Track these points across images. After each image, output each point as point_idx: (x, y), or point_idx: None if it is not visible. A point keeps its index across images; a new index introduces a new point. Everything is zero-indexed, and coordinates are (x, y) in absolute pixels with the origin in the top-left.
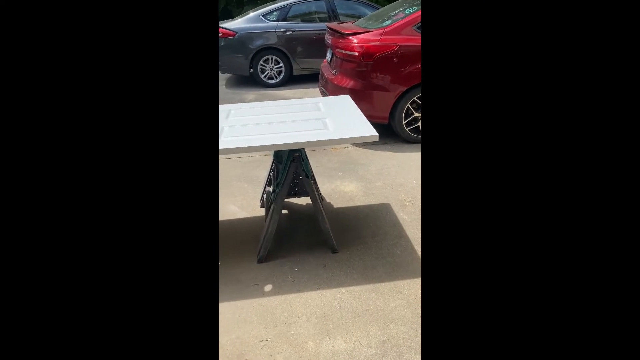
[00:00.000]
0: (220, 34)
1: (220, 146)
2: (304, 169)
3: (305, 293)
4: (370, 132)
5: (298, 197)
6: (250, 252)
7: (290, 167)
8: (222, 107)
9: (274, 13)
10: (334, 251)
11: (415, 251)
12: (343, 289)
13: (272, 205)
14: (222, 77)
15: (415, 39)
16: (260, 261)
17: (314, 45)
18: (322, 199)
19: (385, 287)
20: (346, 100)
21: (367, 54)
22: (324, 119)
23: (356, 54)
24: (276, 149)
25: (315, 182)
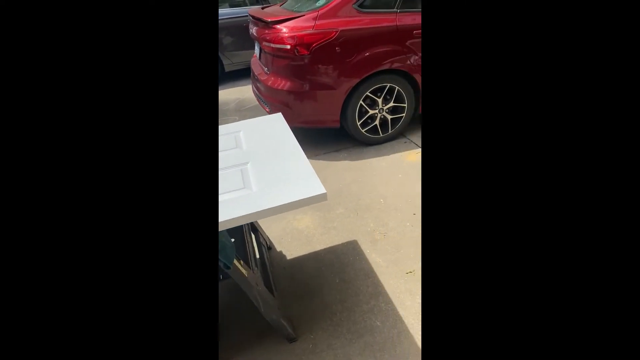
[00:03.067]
0: None
1: None
2: (220, 260)
3: None
4: (316, 189)
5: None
6: None
7: None
8: None
9: None
10: (292, 340)
11: (400, 317)
12: None
13: None
14: None
15: (358, 21)
16: None
17: (246, 35)
18: (269, 247)
19: None
20: (277, 123)
21: (302, 45)
22: (244, 165)
23: (288, 46)
24: None
25: (257, 231)
